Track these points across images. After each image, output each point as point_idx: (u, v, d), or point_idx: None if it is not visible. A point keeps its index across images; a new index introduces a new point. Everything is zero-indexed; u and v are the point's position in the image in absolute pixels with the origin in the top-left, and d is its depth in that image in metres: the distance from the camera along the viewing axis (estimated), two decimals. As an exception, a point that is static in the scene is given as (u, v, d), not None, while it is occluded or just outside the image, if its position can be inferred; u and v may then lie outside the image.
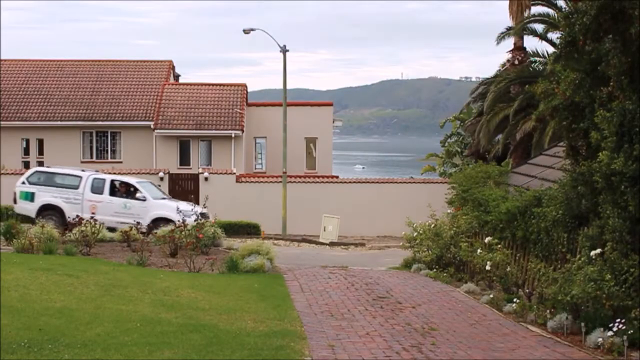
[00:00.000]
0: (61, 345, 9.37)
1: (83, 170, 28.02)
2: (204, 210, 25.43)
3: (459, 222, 19.94)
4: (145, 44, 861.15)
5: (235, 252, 19.46)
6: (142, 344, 9.82)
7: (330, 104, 47.60)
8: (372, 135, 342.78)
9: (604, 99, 13.01)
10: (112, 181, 26.81)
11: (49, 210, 26.43)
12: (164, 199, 27.18)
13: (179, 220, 21.41)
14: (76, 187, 26.54)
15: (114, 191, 26.56)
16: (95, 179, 26.81)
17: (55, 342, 9.46)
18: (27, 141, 42.49)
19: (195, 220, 21.39)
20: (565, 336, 11.79)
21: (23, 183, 27.31)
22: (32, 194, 26.80)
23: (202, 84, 45.25)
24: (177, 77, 49.47)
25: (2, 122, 41.32)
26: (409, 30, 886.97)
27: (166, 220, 24.59)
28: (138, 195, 26.32)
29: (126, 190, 26.63)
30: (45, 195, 26.63)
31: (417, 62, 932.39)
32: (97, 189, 26.46)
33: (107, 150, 42.66)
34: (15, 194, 27.23)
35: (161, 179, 34.99)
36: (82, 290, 13.35)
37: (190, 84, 45.90)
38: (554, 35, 32.94)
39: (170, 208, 25.23)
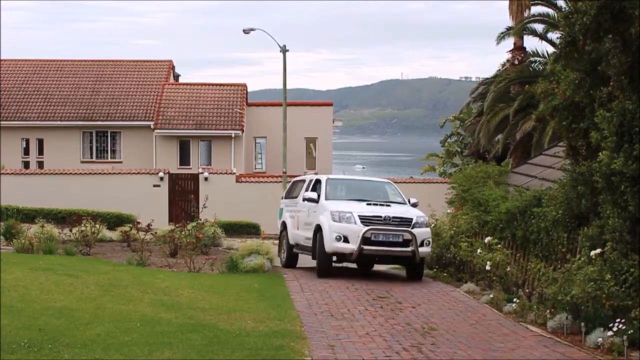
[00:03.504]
0: (61, 345, 9.37)
1: (315, 174, 21.38)
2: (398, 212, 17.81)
3: (459, 222, 19.92)
4: (145, 44, 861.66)
5: (235, 252, 19.45)
6: (142, 344, 9.82)
7: (330, 104, 47.63)
8: (372, 135, 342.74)
9: (604, 99, 13.01)
10: (315, 182, 19.40)
11: (284, 231, 20.35)
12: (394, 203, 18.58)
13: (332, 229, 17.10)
14: (297, 197, 20.02)
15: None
16: (309, 181, 19.79)
17: (55, 342, 9.46)
18: (27, 141, 42.53)
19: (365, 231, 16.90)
20: (565, 336, 11.78)
21: (282, 198, 21.95)
22: (281, 211, 20.97)
23: (202, 84, 45.30)
24: (177, 77, 49.50)
25: (2, 122, 41.35)
26: (408, 30, 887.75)
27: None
28: (307, 194, 18.71)
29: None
30: (284, 211, 20.75)
31: (417, 62, 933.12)
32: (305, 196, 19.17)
33: (107, 150, 42.71)
34: None
35: (161, 178, 35.02)
36: (82, 290, 13.35)
37: (190, 84, 45.96)
38: (554, 35, 32.96)
39: (327, 210, 17.71)
